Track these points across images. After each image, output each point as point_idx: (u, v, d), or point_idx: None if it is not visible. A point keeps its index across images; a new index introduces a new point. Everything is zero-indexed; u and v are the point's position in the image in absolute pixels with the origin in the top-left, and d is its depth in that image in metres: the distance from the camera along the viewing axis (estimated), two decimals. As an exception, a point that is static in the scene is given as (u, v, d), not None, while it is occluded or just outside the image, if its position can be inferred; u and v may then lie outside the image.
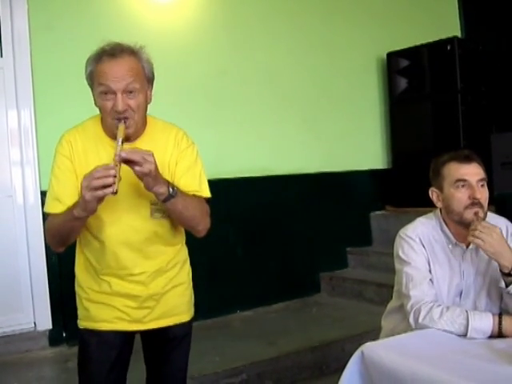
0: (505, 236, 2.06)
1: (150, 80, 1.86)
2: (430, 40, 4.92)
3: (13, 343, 3.62)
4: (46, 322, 3.72)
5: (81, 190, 1.63)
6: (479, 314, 1.89)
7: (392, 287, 2.30)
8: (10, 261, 3.74)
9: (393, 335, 2.02)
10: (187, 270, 2.06)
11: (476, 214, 2.00)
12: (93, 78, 1.77)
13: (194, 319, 2.12)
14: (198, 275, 4.31)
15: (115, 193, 1.61)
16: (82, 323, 1.95)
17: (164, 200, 1.74)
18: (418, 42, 4.99)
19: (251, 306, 4.41)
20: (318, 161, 4.92)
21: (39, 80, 3.77)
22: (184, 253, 2.06)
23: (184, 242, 2.07)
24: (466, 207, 2.01)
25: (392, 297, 2.34)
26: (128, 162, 1.64)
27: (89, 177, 1.61)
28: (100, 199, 1.64)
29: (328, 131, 5.01)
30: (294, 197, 4.74)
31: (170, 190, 1.73)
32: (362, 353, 1.79)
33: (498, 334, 1.85)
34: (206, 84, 4.39)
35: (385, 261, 4.25)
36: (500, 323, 1.85)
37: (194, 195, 1.87)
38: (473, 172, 2.04)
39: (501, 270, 1.96)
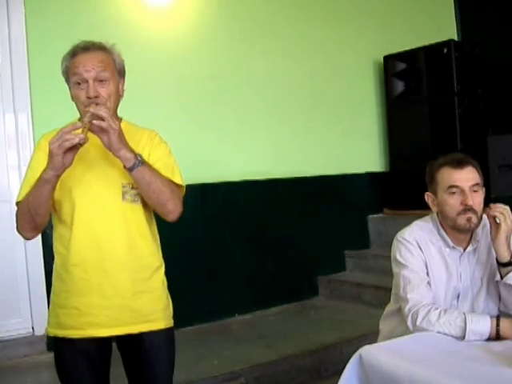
0: None
1: (120, 73, 1.97)
2: (427, 43, 4.94)
3: (11, 348, 3.61)
4: (44, 327, 3.71)
5: (48, 148, 1.71)
6: (477, 316, 1.90)
7: (390, 290, 2.31)
8: (8, 266, 3.74)
9: (391, 338, 2.02)
10: (161, 277, 2.00)
11: (469, 220, 2.01)
12: (68, 72, 1.89)
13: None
14: (196, 279, 4.33)
15: (81, 144, 1.70)
16: (52, 330, 1.93)
17: (131, 167, 1.77)
18: (415, 45, 5.01)
19: (249, 310, 4.40)
20: (315, 164, 4.93)
21: (36, 84, 3.77)
22: (158, 258, 2.02)
23: (159, 249, 2.05)
24: (459, 213, 2.02)
25: (390, 300, 2.34)
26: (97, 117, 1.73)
27: (58, 132, 1.70)
28: (66, 152, 1.69)
29: (325, 134, 5.02)
30: (292, 200, 4.75)
31: (138, 157, 1.79)
32: (360, 356, 1.79)
33: (496, 337, 1.85)
34: (203, 88, 4.39)
35: (383, 264, 4.25)
36: (498, 326, 1.85)
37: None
38: (465, 178, 2.03)
39: (498, 262, 1.97)
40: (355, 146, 5.21)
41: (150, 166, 1.83)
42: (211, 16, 4.47)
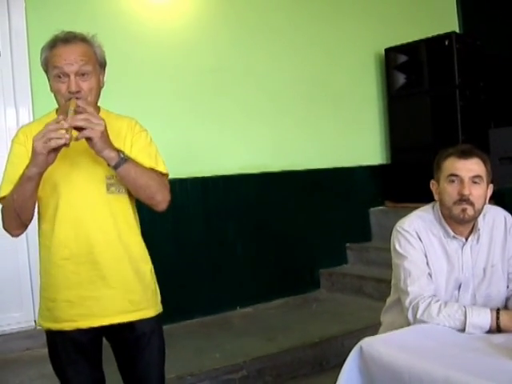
0: (503, 227, 2.12)
1: (102, 65, 1.94)
2: (428, 35, 4.92)
3: (13, 341, 3.61)
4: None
5: (32, 145, 1.69)
6: (477, 309, 1.90)
7: (391, 282, 2.30)
8: (10, 259, 3.74)
9: (392, 329, 2.02)
10: (149, 265, 2.01)
11: (463, 210, 2.00)
12: (47, 63, 1.88)
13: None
14: (197, 272, 4.33)
15: (67, 145, 1.67)
16: (45, 324, 1.95)
17: (116, 166, 1.77)
18: (416, 38, 4.99)
19: (251, 303, 4.41)
20: (316, 157, 4.92)
21: (37, 78, 3.75)
22: (143, 246, 2.02)
23: (141, 238, 2.03)
24: (455, 203, 2.02)
25: (391, 292, 2.34)
26: (77, 127, 1.71)
27: (43, 130, 1.67)
28: (50, 152, 1.67)
29: (327, 127, 5.01)
30: (294, 193, 4.75)
31: (121, 154, 1.77)
32: (361, 348, 1.79)
33: (497, 330, 1.85)
34: (204, 80, 4.38)
35: (384, 256, 4.22)
36: (498, 319, 1.85)
37: (151, 169, 1.92)
38: (467, 168, 2.02)
39: None
40: (356, 139, 5.20)
41: (134, 162, 1.83)
42: (212, 8, 4.45)
